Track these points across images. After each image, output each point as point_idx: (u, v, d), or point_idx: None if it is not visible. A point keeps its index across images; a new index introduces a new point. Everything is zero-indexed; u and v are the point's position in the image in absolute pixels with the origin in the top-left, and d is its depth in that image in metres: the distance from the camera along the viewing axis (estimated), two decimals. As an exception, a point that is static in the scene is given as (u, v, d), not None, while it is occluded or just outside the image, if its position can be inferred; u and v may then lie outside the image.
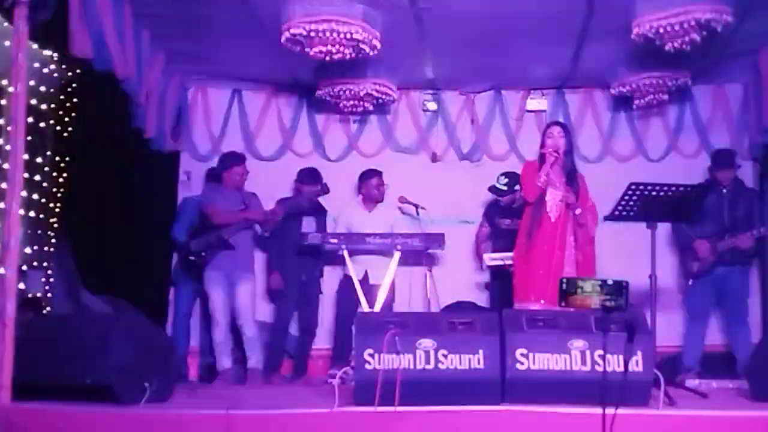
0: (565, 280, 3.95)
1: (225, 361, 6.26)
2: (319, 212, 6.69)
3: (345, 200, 6.89)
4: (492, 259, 6.46)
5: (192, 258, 6.28)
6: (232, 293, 6.24)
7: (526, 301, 5.09)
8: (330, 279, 6.83)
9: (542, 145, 5.38)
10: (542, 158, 5.33)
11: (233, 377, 6.24)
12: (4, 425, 3.94)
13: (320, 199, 6.58)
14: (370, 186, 6.69)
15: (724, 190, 6.21)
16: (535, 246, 5.18)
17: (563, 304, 3.87)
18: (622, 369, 3.84)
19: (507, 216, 6.49)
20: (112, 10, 5.16)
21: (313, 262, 6.60)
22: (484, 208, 6.91)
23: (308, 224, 6.57)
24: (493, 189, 6.67)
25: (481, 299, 6.92)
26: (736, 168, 6.34)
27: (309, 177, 6.65)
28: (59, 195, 6.86)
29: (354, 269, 6.06)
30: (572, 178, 5.34)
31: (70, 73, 6.86)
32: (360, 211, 6.69)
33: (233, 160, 6.48)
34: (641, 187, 4.84)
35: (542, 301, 5.03)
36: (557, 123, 5.71)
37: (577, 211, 5.23)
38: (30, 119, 5.78)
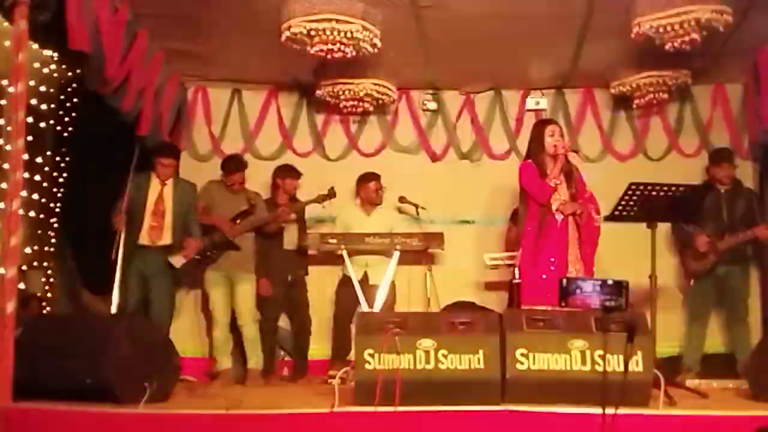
0: (565, 280, 3.95)
1: (225, 361, 6.26)
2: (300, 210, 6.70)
3: (344, 200, 6.88)
4: (492, 258, 6.45)
5: (198, 257, 6.26)
6: (231, 293, 6.24)
7: (535, 303, 5.06)
8: (330, 279, 6.82)
9: (541, 145, 5.32)
10: (541, 158, 5.29)
11: (233, 377, 6.24)
12: (4, 425, 3.94)
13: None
14: (368, 189, 6.68)
15: (723, 190, 6.20)
16: (543, 250, 5.15)
17: (563, 304, 3.88)
18: (622, 369, 3.84)
19: None
20: (108, 7, 5.15)
21: (298, 262, 6.61)
22: (510, 211, 6.84)
23: (290, 224, 6.58)
24: None
25: (482, 299, 6.91)
26: (734, 166, 6.33)
27: (291, 171, 6.64)
28: (59, 195, 6.87)
29: (353, 269, 6.06)
30: (570, 175, 5.32)
31: (70, 73, 6.86)
32: (358, 214, 6.68)
33: (229, 167, 6.45)
34: (641, 187, 4.84)
35: (553, 304, 4.98)
36: (554, 121, 5.67)
37: (580, 211, 5.21)
38: (30, 119, 5.78)
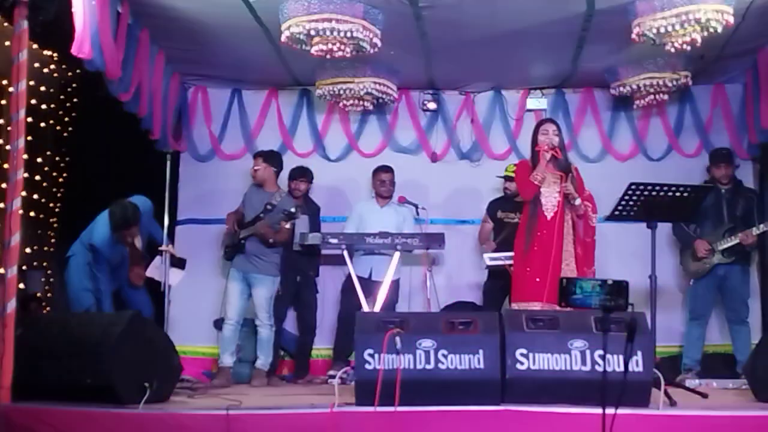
0: (565, 280, 3.95)
1: (226, 358, 6.25)
2: (313, 211, 6.68)
3: (343, 200, 6.89)
4: (492, 258, 6.45)
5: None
6: (248, 294, 6.22)
7: (525, 300, 5.09)
8: (335, 277, 6.82)
9: (535, 143, 5.37)
10: (536, 156, 5.32)
11: (233, 375, 6.23)
12: (4, 425, 3.95)
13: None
14: (377, 181, 6.71)
15: (723, 190, 6.21)
16: (533, 245, 5.18)
17: (563, 303, 3.87)
18: (622, 369, 3.84)
19: (511, 210, 6.49)
20: (108, 9, 5.14)
21: (308, 262, 6.61)
22: (486, 204, 6.91)
23: (301, 223, 6.57)
24: (504, 177, 6.68)
25: (481, 299, 6.91)
26: (734, 166, 6.33)
27: (300, 173, 6.66)
28: (59, 195, 6.87)
29: (359, 268, 6.06)
30: (568, 172, 5.33)
31: (70, 73, 6.87)
32: (372, 206, 6.72)
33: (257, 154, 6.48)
34: (641, 187, 4.84)
35: (541, 301, 5.02)
36: (550, 120, 5.69)
37: (576, 202, 5.22)
38: (30, 119, 5.77)
